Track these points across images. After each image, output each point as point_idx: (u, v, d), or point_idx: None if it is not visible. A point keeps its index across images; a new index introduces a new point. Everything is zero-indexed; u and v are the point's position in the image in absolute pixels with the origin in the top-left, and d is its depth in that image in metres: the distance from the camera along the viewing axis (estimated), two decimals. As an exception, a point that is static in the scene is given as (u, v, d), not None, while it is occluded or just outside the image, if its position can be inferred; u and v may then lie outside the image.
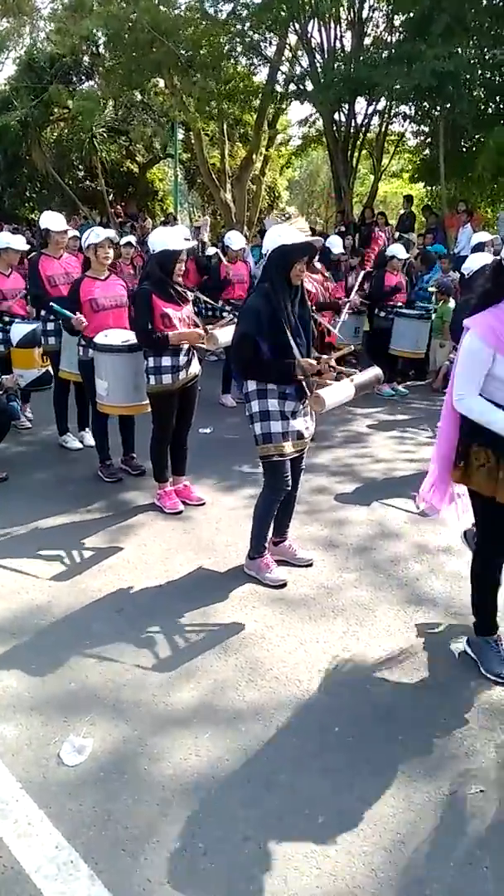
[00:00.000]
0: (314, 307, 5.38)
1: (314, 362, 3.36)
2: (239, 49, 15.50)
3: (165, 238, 4.16)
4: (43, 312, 5.57)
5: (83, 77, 18.82)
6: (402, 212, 13.64)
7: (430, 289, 8.78)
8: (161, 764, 2.35)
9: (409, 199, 14.28)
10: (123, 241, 9.00)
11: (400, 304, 7.56)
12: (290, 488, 3.49)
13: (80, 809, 2.16)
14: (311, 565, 3.71)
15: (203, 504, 4.51)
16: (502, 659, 2.86)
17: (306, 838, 2.08)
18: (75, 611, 3.26)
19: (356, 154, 15.87)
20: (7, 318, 5.63)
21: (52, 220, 5.46)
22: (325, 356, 3.50)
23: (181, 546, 3.94)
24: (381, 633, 3.14)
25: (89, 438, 5.46)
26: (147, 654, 2.94)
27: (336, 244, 7.36)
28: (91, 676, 2.79)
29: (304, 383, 3.34)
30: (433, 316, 7.92)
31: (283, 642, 3.03)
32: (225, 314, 6.74)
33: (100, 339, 4.49)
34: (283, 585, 3.48)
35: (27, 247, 5.99)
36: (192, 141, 17.64)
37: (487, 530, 2.83)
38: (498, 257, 2.73)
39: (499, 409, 2.59)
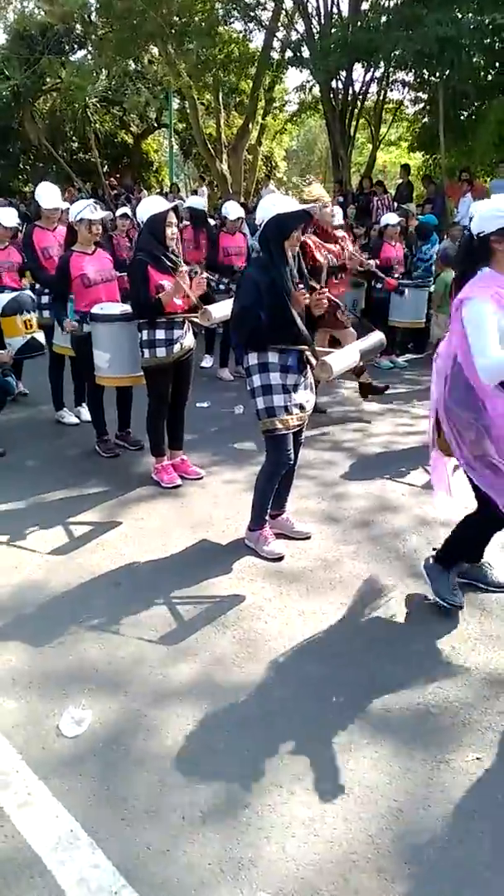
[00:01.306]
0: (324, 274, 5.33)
1: (307, 293, 3.32)
2: (234, 14, 15.18)
3: (149, 206, 4.16)
4: (38, 285, 5.54)
5: (75, 46, 18.49)
6: (399, 181, 13.45)
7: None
8: (160, 735, 2.37)
9: (406, 168, 14.08)
10: (119, 212, 8.88)
11: (398, 275, 7.48)
12: (291, 462, 3.48)
13: (79, 780, 2.18)
14: (309, 538, 3.72)
15: (200, 478, 4.50)
16: (452, 587, 3.04)
17: (304, 806, 2.10)
18: (73, 586, 3.27)
19: (354, 123, 15.66)
20: None
21: (44, 198, 5.38)
22: (313, 295, 3.43)
23: (179, 520, 3.94)
24: (378, 604, 3.15)
25: (86, 414, 5.44)
26: (145, 627, 2.95)
27: (336, 214, 7.26)
28: (90, 650, 2.80)
29: (307, 353, 3.31)
30: (431, 286, 7.84)
31: (281, 614, 3.05)
32: (221, 286, 6.70)
33: (97, 310, 4.45)
34: (280, 559, 3.49)
35: (16, 223, 5.94)
36: (188, 110, 17.37)
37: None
38: (467, 231, 2.77)
39: None
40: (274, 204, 3.27)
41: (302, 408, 3.43)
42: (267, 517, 3.58)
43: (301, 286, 3.34)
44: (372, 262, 6.44)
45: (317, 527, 3.85)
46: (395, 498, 4.28)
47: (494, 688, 2.61)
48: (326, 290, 3.45)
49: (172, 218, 4.11)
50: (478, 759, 2.28)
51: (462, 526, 3.07)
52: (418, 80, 14.11)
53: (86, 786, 2.16)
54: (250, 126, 17.08)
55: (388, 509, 4.12)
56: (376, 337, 3.53)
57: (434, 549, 3.20)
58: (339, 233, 5.81)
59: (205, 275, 4.45)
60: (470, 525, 3.03)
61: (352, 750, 2.32)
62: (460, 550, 3.11)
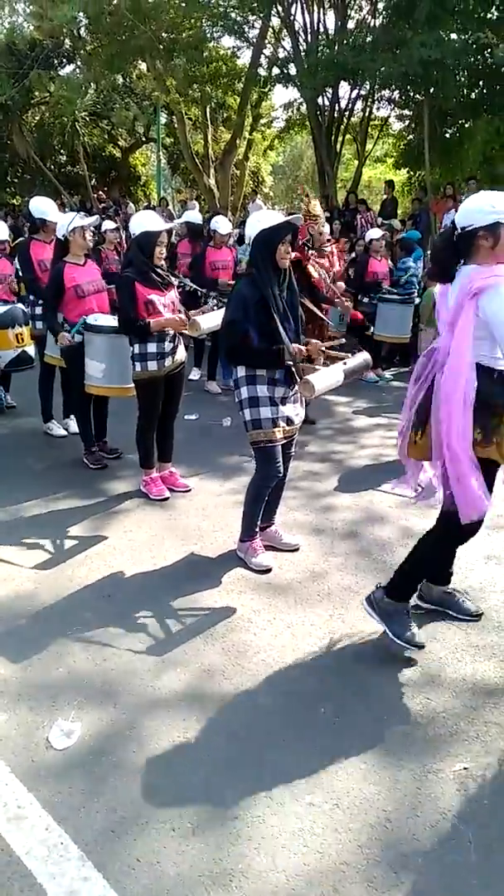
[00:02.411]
0: (320, 297, 5.41)
1: (303, 348, 3.37)
2: (221, 31, 15.35)
3: (143, 220, 4.16)
4: (31, 297, 5.57)
5: (64, 60, 18.57)
6: (384, 197, 13.61)
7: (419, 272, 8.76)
8: (149, 747, 2.38)
9: (391, 184, 14.25)
10: (109, 225, 8.92)
11: (384, 289, 7.57)
12: (281, 475, 3.50)
13: (69, 792, 2.18)
14: (297, 550, 3.74)
15: (189, 491, 4.52)
16: (412, 626, 2.87)
17: (294, 817, 2.11)
18: (62, 598, 3.27)
19: (340, 139, 15.84)
20: None
21: (48, 209, 5.43)
22: (314, 341, 3.51)
23: (167, 532, 3.95)
24: (366, 616, 3.16)
25: (74, 426, 5.45)
26: (135, 639, 2.96)
27: (324, 230, 7.35)
28: (79, 662, 2.80)
29: (293, 369, 3.34)
30: (417, 300, 7.92)
31: (270, 626, 3.06)
32: (210, 300, 6.74)
33: (92, 321, 4.48)
34: (268, 571, 3.50)
35: (8, 237, 5.99)
36: (176, 125, 17.51)
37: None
38: (451, 225, 2.63)
39: None
40: (259, 220, 3.32)
41: (290, 421, 3.46)
42: (257, 529, 3.60)
43: (289, 311, 3.37)
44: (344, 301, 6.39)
45: (305, 538, 3.88)
46: (383, 510, 4.31)
47: (481, 698, 2.64)
48: (320, 343, 3.51)
49: (164, 238, 4.15)
50: (465, 768, 2.31)
51: (422, 545, 2.91)
52: (403, 97, 14.33)
53: (76, 798, 2.16)
54: (238, 141, 17.24)
55: (376, 521, 4.15)
56: (361, 357, 3.57)
57: (378, 585, 2.99)
58: (327, 248, 5.89)
59: (196, 288, 4.48)
60: (430, 543, 2.89)
61: (341, 760, 2.33)
62: (420, 573, 2.93)
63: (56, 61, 18.12)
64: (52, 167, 20.50)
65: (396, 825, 2.09)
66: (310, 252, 5.52)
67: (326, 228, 5.71)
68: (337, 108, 15.55)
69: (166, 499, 4.38)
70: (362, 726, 2.49)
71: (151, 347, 4.13)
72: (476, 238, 2.54)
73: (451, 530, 2.78)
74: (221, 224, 7.07)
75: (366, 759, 2.34)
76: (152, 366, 4.16)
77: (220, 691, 2.66)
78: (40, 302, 5.41)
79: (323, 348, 3.49)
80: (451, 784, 2.24)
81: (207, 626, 3.05)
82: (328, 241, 5.89)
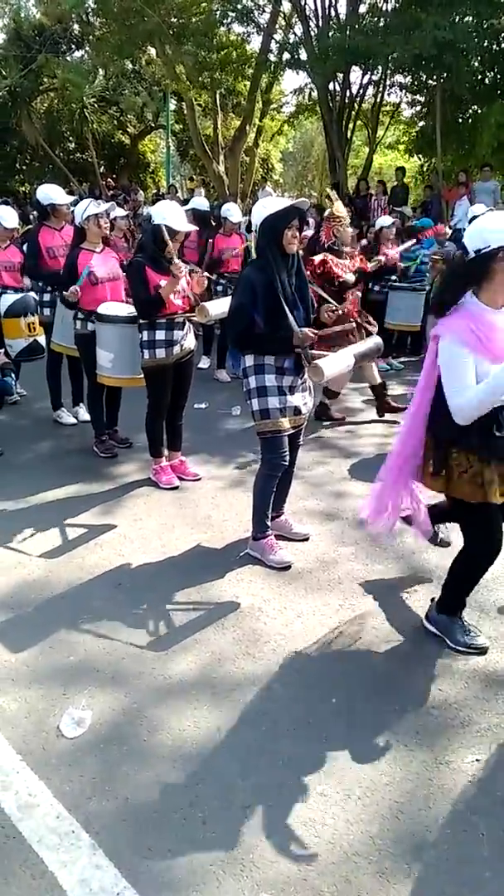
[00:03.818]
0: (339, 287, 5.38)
1: (311, 332, 3.32)
2: (231, 16, 15.19)
3: (168, 214, 4.06)
4: (40, 284, 5.54)
5: (73, 46, 18.46)
6: (394, 184, 13.48)
7: (434, 256, 8.68)
8: (160, 735, 2.37)
9: (402, 171, 14.11)
10: (119, 213, 8.85)
11: (394, 277, 7.50)
12: (287, 464, 3.47)
13: (80, 780, 2.18)
14: (307, 539, 3.72)
15: (199, 479, 4.50)
16: (470, 631, 2.85)
17: (305, 807, 2.10)
18: (73, 586, 3.27)
19: (351, 125, 15.68)
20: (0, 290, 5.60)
21: (56, 193, 5.41)
22: (329, 307, 3.45)
23: (177, 521, 3.94)
24: (376, 605, 3.15)
25: (84, 414, 5.45)
26: (145, 627, 2.95)
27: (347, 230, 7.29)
28: (89, 650, 2.80)
29: (301, 354, 3.30)
30: (428, 287, 7.85)
31: (281, 615, 3.05)
32: (219, 287, 6.72)
33: (103, 310, 4.45)
34: (288, 567, 3.44)
35: (17, 225, 5.95)
36: (185, 112, 17.38)
37: (477, 534, 2.73)
38: (460, 251, 2.57)
39: (496, 374, 2.41)
40: (264, 206, 3.28)
41: (298, 411, 3.42)
42: (269, 523, 3.57)
43: (298, 296, 3.33)
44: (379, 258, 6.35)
45: (315, 527, 3.85)
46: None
47: (493, 689, 2.62)
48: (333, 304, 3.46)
49: (181, 237, 4.12)
50: (477, 760, 2.29)
51: (456, 562, 2.87)
52: (416, 83, 14.16)
53: (87, 786, 2.16)
54: (247, 128, 17.10)
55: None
56: (373, 341, 3.53)
57: (432, 600, 3.01)
58: (351, 249, 5.85)
59: (204, 274, 4.44)
60: (461, 560, 2.85)
61: (352, 750, 2.32)
62: (462, 589, 2.87)
63: (64, 46, 18.01)
64: (61, 154, 20.42)
65: (408, 816, 2.08)
66: (330, 256, 5.48)
67: (350, 231, 5.65)
68: (348, 93, 15.39)
69: (176, 487, 4.37)
70: (374, 716, 2.48)
71: (160, 335, 4.11)
72: (495, 261, 2.40)
73: (474, 552, 2.77)
74: (233, 211, 7.02)
75: (377, 749, 2.33)
76: (160, 353, 4.13)
77: (231, 680, 2.65)
78: (48, 289, 5.40)
79: (335, 329, 3.45)
80: (463, 775, 2.23)
81: (218, 615, 3.04)
82: (351, 245, 5.84)
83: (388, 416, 5.82)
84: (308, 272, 4.43)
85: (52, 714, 2.46)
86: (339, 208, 5.65)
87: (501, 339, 2.46)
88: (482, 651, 2.80)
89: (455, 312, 2.52)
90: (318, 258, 5.44)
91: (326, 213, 5.68)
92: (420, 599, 3.18)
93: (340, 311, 3.47)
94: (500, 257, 2.39)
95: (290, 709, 2.51)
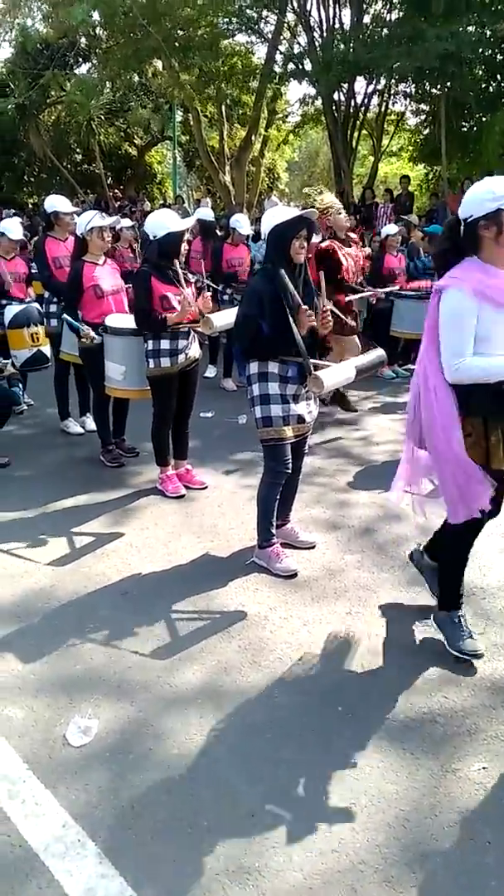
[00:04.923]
0: (348, 282, 5.41)
1: (311, 312, 3.31)
2: (236, 26, 15.31)
3: (164, 221, 4.12)
4: (46, 294, 5.59)
5: (80, 59, 18.63)
6: (400, 193, 13.51)
7: (418, 232, 8.71)
8: (166, 744, 2.37)
9: (406, 179, 14.15)
10: (126, 223, 8.92)
11: (399, 286, 7.52)
12: (290, 472, 3.48)
13: (86, 789, 2.19)
14: (313, 547, 3.72)
15: (205, 488, 4.52)
16: (466, 635, 2.83)
17: (311, 815, 2.10)
18: (80, 595, 3.28)
19: (356, 134, 15.74)
20: (4, 301, 5.65)
21: (60, 203, 5.48)
22: (322, 309, 3.44)
23: (184, 530, 3.95)
24: (383, 613, 3.15)
25: (91, 423, 5.47)
26: (151, 636, 2.96)
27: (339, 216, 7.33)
28: (96, 658, 2.81)
29: (303, 363, 3.31)
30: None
31: (286, 624, 3.05)
32: (225, 297, 6.76)
33: (111, 322, 4.48)
34: (295, 575, 3.44)
35: (22, 237, 6.02)
36: (191, 123, 17.50)
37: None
38: (454, 216, 2.54)
39: (498, 357, 2.43)
40: (273, 216, 3.30)
41: (302, 419, 3.43)
42: (274, 531, 3.58)
43: (305, 305, 3.32)
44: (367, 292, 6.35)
45: (321, 535, 3.86)
46: (399, 507, 4.27)
47: (500, 696, 2.61)
48: (328, 306, 3.45)
49: (186, 236, 4.15)
50: (484, 768, 2.28)
51: (441, 550, 2.92)
52: (420, 92, 14.22)
53: (93, 795, 2.17)
54: (253, 138, 17.18)
55: (392, 518, 4.11)
56: (375, 354, 3.53)
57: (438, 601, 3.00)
58: (353, 235, 5.90)
59: (210, 285, 4.47)
60: (445, 545, 2.90)
61: (358, 759, 2.31)
62: (452, 577, 2.88)
63: (71, 60, 18.17)
64: (69, 166, 20.58)
65: (415, 825, 2.07)
66: (337, 242, 5.52)
67: (342, 216, 5.66)
68: (353, 103, 15.46)
69: (182, 496, 4.38)
70: (380, 724, 2.47)
71: (165, 344, 4.13)
72: (478, 229, 2.41)
73: (454, 527, 2.75)
74: (242, 223, 7.09)
75: (383, 757, 2.32)
76: (165, 362, 4.16)
77: (237, 688, 2.65)
78: (55, 300, 5.45)
79: (333, 310, 3.43)
80: (469, 784, 2.22)
81: (223, 623, 3.04)
82: (350, 228, 5.87)
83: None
84: (310, 256, 4.46)
85: (59, 723, 2.47)
86: (327, 199, 5.67)
87: None
88: (476, 656, 2.78)
89: (456, 269, 2.49)
90: (324, 244, 5.45)
91: (316, 203, 5.70)
92: (426, 607, 3.17)
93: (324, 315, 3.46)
94: (482, 225, 2.41)
95: (296, 717, 2.51)
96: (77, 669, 2.75)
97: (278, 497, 3.53)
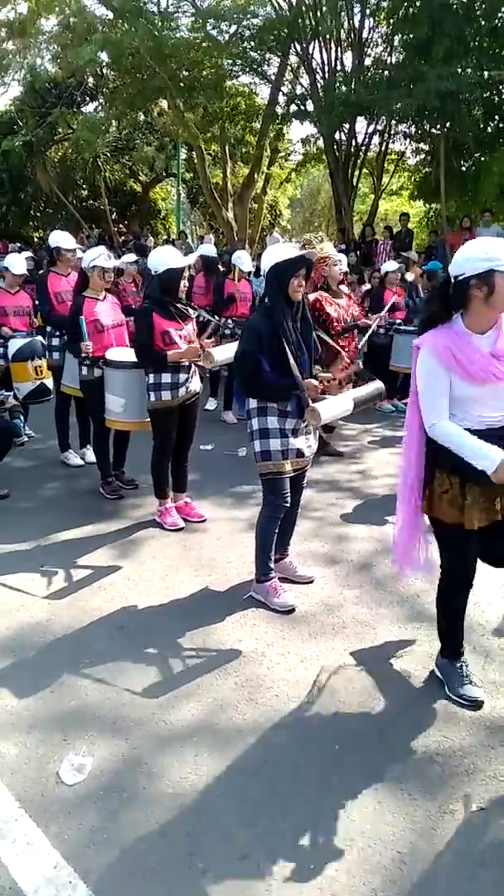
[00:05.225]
0: (336, 331, 5.47)
1: (317, 383, 3.37)
2: (240, 68, 15.71)
3: (165, 257, 4.19)
4: (48, 328, 5.66)
5: (87, 98, 19.04)
6: (399, 230, 13.72)
7: (417, 269, 8.83)
8: (160, 783, 2.35)
9: (406, 217, 14.38)
10: (129, 258, 9.05)
11: (399, 320, 7.61)
12: (288, 505, 3.49)
13: (78, 829, 2.16)
14: (311, 582, 3.71)
15: (204, 521, 4.52)
16: (466, 681, 2.80)
17: (306, 857, 2.07)
18: (75, 629, 3.26)
19: (357, 173, 16.02)
20: (8, 334, 5.73)
21: (63, 239, 5.59)
22: (324, 374, 3.52)
23: (181, 563, 3.95)
24: (381, 651, 3.13)
25: (90, 455, 5.49)
26: (147, 672, 2.94)
27: (341, 261, 7.43)
28: (91, 694, 2.79)
29: (301, 396, 3.34)
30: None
31: (284, 660, 3.03)
32: (227, 330, 6.84)
33: (111, 356, 4.53)
34: (292, 611, 3.42)
35: (25, 271, 6.12)
36: (195, 160, 17.83)
37: (450, 558, 2.74)
38: (445, 275, 2.58)
39: (472, 437, 2.45)
40: (273, 254, 3.37)
41: (301, 454, 3.45)
42: (272, 566, 3.57)
43: (303, 342, 3.38)
44: (372, 319, 6.42)
45: (320, 570, 3.85)
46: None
47: (498, 736, 2.58)
48: (334, 375, 3.52)
49: (185, 272, 4.21)
50: (482, 808, 2.25)
51: (438, 602, 2.88)
52: (420, 132, 14.51)
53: (85, 835, 2.13)
54: (256, 176, 17.49)
55: (391, 552, 4.09)
56: (374, 386, 3.57)
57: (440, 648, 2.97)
58: (344, 288, 5.95)
59: (210, 319, 4.53)
60: (439, 594, 2.85)
61: (354, 799, 2.28)
62: (451, 626, 2.85)
63: (79, 98, 18.58)
64: (74, 201, 20.93)
65: (412, 867, 2.04)
66: (325, 294, 5.59)
67: (338, 268, 5.75)
68: (353, 142, 15.77)
69: (181, 529, 4.38)
70: (377, 764, 2.44)
71: (166, 378, 4.18)
72: (469, 288, 2.42)
73: (443, 579, 2.80)
74: (244, 259, 7.23)
75: (380, 797, 2.29)
76: (166, 395, 4.20)
77: (233, 726, 2.62)
78: (57, 333, 5.51)
79: (337, 376, 3.50)
80: (467, 825, 2.19)
81: (220, 660, 3.02)
82: (343, 280, 5.92)
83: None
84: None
85: (52, 760, 2.44)
86: (327, 248, 5.75)
87: (480, 361, 2.45)
88: (475, 705, 2.73)
89: (438, 328, 2.53)
90: (311, 297, 5.53)
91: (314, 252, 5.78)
92: (425, 644, 3.16)
93: (341, 367, 3.58)
94: (473, 284, 2.41)
95: (292, 757, 2.48)
96: (71, 705, 2.72)
97: (277, 531, 3.53)
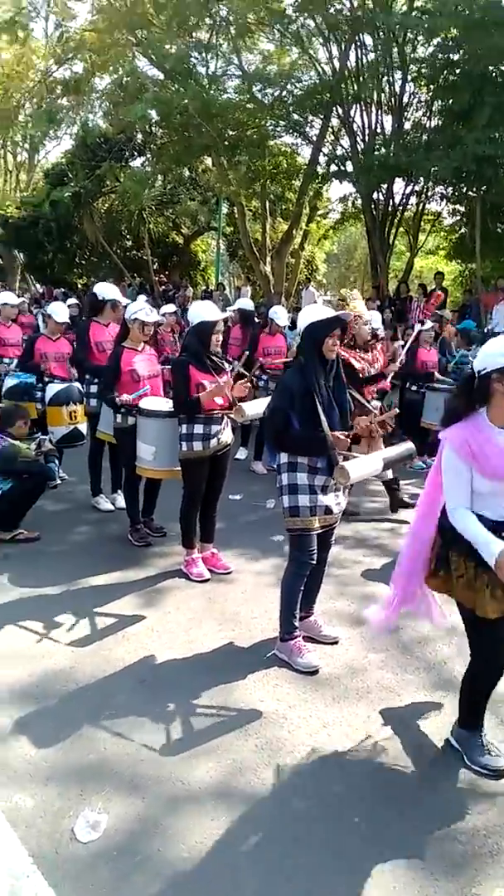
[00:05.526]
0: (361, 380, 5.51)
1: (344, 437, 3.39)
2: (283, 129, 16.24)
3: (201, 311, 4.33)
4: (87, 376, 5.79)
5: (135, 153, 19.80)
6: (433, 288, 13.87)
7: (450, 328, 8.86)
8: (175, 846, 2.30)
9: (440, 275, 14.53)
10: (166, 309, 9.28)
11: (431, 378, 7.64)
12: (315, 563, 3.47)
13: (90, 890, 2.12)
14: (336, 643, 3.66)
15: (230, 573, 4.51)
16: (486, 751, 2.74)
17: (321, 937, 2.00)
18: (98, 678, 3.25)
19: (393, 231, 16.30)
20: (47, 379, 5.89)
21: (115, 292, 5.75)
22: (362, 418, 3.52)
23: (206, 616, 3.93)
24: (406, 718, 3.06)
25: (121, 501, 5.54)
26: (167, 728, 2.91)
27: (375, 319, 7.53)
28: (109, 748, 2.77)
29: (331, 455, 3.36)
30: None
31: (306, 724, 2.97)
32: (261, 382, 6.93)
33: (145, 405, 4.62)
34: (316, 672, 3.37)
35: (67, 320, 6.33)
36: (236, 216, 18.31)
37: (476, 646, 2.72)
38: (470, 370, 2.63)
39: (484, 529, 2.49)
40: (309, 313, 3.43)
41: (329, 511, 3.44)
42: (297, 624, 3.54)
43: (335, 402, 3.42)
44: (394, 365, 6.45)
45: (345, 630, 3.80)
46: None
47: (525, 817, 2.49)
48: (367, 421, 3.56)
49: (220, 326, 4.31)
50: (506, 895, 2.16)
51: (465, 678, 2.83)
52: (456, 193, 14.76)
53: (97, 896, 2.10)
54: (294, 232, 17.88)
55: (418, 615, 4.04)
56: (404, 447, 3.58)
57: (456, 720, 2.91)
58: (375, 345, 6.01)
59: (244, 373, 4.60)
60: (467, 678, 2.81)
61: (372, 876, 2.22)
62: (474, 698, 2.79)
63: (128, 153, 19.34)
64: (118, 251, 21.54)
65: None
66: (354, 350, 5.66)
67: (368, 327, 5.82)
68: (391, 202, 16.10)
69: (206, 580, 4.38)
70: (396, 838, 2.37)
71: (198, 428, 4.24)
72: (491, 382, 2.49)
73: (474, 666, 2.76)
74: (280, 314, 7.37)
75: (398, 874, 2.22)
76: (197, 446, 4.25)
77: (251, 790, 2.58)
78: (95, 381, 5.63)
79: (370, 423, 3.54)
80: (491, 913, 2.10)
81: (241, 720, 2.98)
82: (373, 339, 5.99)
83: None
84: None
85: (68, 815, 2.42)
86: (358, 307, 5.82)
87: (496, 458, 2.49)
88: (497, 774, 2.67)
89: (461, 422, 2.58)
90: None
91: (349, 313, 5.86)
92: (450, 713, 3.08)
93: (373, 419, 3.61)
94: (495, 378, 2.47)
95: (311, 826, 2.42)
96: (90, 759, 2.70)
97: (302, 588, 3.51)
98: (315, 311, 3.48)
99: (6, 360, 6.89)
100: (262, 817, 2.45)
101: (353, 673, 3.40)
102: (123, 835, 2.34)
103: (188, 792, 2.55)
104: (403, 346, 6.58)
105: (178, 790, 2.56)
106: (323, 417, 3.31)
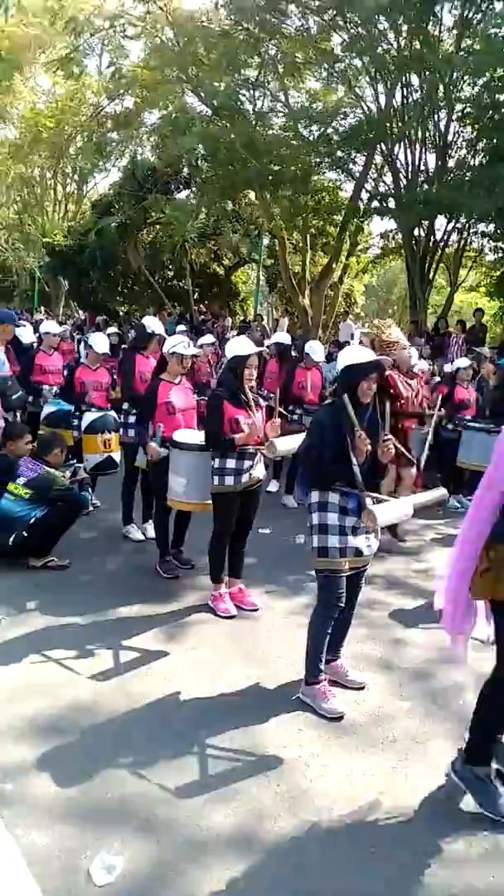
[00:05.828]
0: (402, 410, 5.47)
1: (368, 440, 3.33)
2: (327, 165, 16.45)
3: (235, 345, 4.38)
4: (125, 405, 5.87)
5: (181, 186, 20.25)
6: (472, 324, 13.78)
7: (490, 365, 8.75)
8: (190, 892, 2.25)
9: (480, 311, 14.44)
10: (207, 340, 9.41)
11: (468, 416, 7.55)
12: (343, 606, 3.41)
13: (101, 937, 2.08)
14: (363, 688, 3.58)
15: (257, 610, 4.47)
16: (499, 793, 2.62)
17: None
18: (118, 713, 3.23)
19: (434, 267, 16.29)
20: (85, 408, 5.98)
21: (161, 329, 5.84)
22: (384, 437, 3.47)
23: (231, 654, 3.89)
24: (431, 771, 2.96)
25: (151, 531, 5.56)
26: (186, 770, 2.86)
27: (412, 355, 7.51)
28: (127, 789, 2.73)
29: (359, 496, 3.31)
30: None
31: (328, 772, 2.90)
32: (295, 416, 6.93)
33: (178, 437, 4.65)
34: (341, 718, 3.30)
35: (107, 350, 6.45)
36: (277, 249, 18.52)
37: None
38: None
39: None
40: (349, 355, 3.43)
41: (359, 553, 3.39)
42: (322, 668, 3.47)
43: (364, 434, 3.37)
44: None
45: (372, 676, 3.72)
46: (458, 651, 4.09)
47: None
48: (390, 436, 3.49)
49: (254, 360, 4.33)
50: None
51: (484, 700, 2.73)
52: (498, 231, 14.73)
53: (107, 945, 2.05)
54: (334, 265, 18.00)
55: (448, 662, 3.93)
56: (438, 493, 3.53)
57: (459, 749, 2.83)
58: (415, 369, 6.00)
59: (281, 412, 4.61)
60: (489, 696, 2.71)
61: (393, 942, 2.13)
62: (488, 730, 2.71)
63: (173, 186, 19.80)
64: (160, 280, 21.94)
65: None
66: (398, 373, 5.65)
67: (407, 352, 5.80)
68: (432, 239, 16.13)
69: (233, 616, 4.34)
70: (419, 902, 2.29)
71: (230, 463, 4.24)
72: None
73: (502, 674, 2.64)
74: (316, 349, 7.39)
75: (421, 944, 2.13)
76: (229, 481, 4.25)
77: (269, 839, 2.51)
78: (133, 411, 5.69)
79: (394, 443, 3.47)
80: None
81: (262, 765, 2.92)
82: (414, 368, 5.98)
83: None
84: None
85: (83, 855, 2.38)
86: (395, 333, 5.80)
87: None
88: None
89: None
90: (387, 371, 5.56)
91: (376, 340, 5.84)
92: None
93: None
94: None
95: (329, 878, 2.35)
96: (108, 798, 2.67)
97: (330, 631, 3.45)
98: (355, 353, 3.48)
99: (47, 388, 7.02)
100: (279, 868, 2.38)
101: (378, 720, 3.32)
102: (137, 880, 2.29)
103: (205, 837, 2.50)
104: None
105: (194, 834, 2.51)
106: (355, 462, 3.27)
